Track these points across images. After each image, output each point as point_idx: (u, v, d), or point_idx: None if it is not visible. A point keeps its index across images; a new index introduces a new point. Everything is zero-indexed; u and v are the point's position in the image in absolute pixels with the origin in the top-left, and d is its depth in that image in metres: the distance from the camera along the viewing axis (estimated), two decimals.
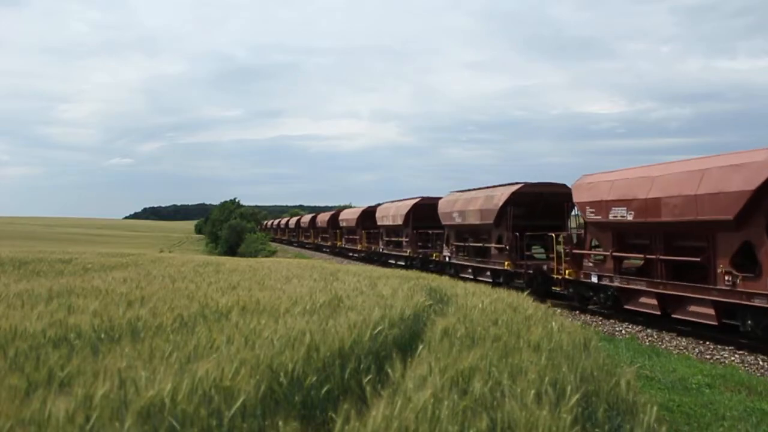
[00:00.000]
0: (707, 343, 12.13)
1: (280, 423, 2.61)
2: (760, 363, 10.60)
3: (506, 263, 19.75)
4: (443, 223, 25.27)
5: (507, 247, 19.82)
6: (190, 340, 4.04)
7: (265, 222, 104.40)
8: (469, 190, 24.26)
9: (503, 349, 4.14)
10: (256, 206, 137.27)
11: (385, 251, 34.23)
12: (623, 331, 13.79)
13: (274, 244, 75.81)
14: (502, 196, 20.33)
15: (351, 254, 43.15)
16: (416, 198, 30.81)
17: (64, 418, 2.57)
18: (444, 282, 10.27)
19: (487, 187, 22.52)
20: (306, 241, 63.09)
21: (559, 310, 10.27)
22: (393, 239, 32.79)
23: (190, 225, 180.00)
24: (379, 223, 34.86)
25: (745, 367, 10.38)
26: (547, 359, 3.89)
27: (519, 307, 6.63)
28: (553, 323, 5.54)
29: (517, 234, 19.29)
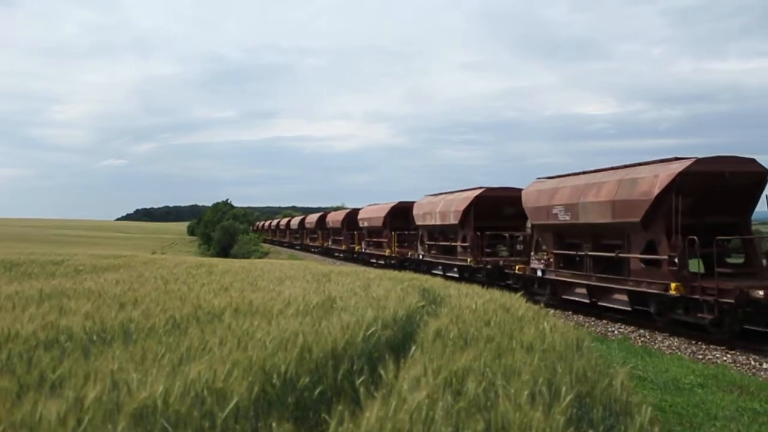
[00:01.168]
0: (699, 343, 12.17)
1: (273, 424, 2.60)
2: (752, 363, 10.65)
3: (469, 260, 22.03)
4: (417, 224, 27.79)
5: (470, 246, 22.17)
6: (182, 342, 4.03)
7: (258, 223, 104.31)
8: (439, 194, 26.70)
9: (496, 349, 4.14)
10: (249, 207, 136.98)
11: (366, 251, 36.59)
12: (615, 332, 13.83)
13: (266, 245, 75.76)
14: (466, 199, 22.90)
15: (336, 254, 45.32)
16: (394, 202, 33.49)
17: (55, 420, 2.55)
18: (437, 283, 10.28)
19: (455, 192, 25.07)
20: (295, 242, 65.31)
21: (552, 311, 10.30)
22: (374, 240, 35.34)
23: (182, 226, 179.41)
24: (360, 225, 37.51)
25: (736, 366, 10.42)
26: (541, 360, 3.89)
27: (511, 308, 6.63)
28: (546, 324, 5.54)
29: (479, 234, 21.65)
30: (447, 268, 24.46)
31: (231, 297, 6.63)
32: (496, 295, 8.03)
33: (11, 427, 2.53)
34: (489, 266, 20.87)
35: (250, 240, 76.92)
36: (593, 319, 15.47)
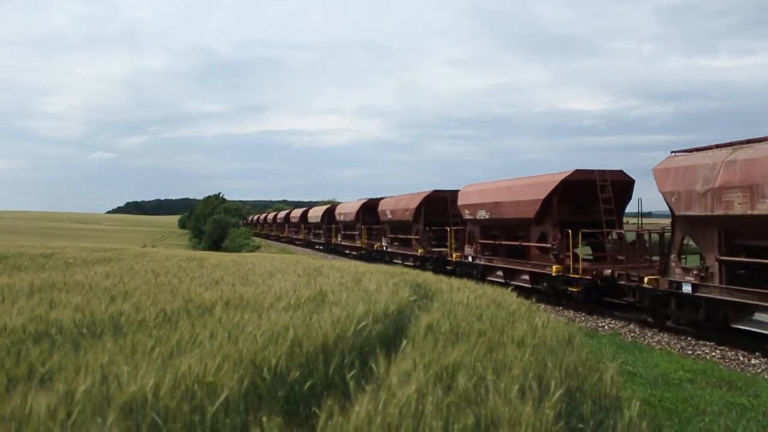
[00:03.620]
0: (689, 338, 12.25)
1: (264, 418, 2.59)
2: (741, 358, 10.72)
3: (419, 251, 26.68)
4: (381, 219, 31.98)
5: (420, 239, 26.80)
6: (173, 335, 4.01)
7: (249, 217, 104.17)
8: (398, 195, 31.29)
9: (487, 344, 4.15)
10: (240, 201, 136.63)
11: (342, 243, 40.81)
12: (606, 327, 13.90)
13: (258, 239, 75.76)
14: (417, 199, 27.25)
15: (317, 246, 49.52)
16: (364, 199, 37.77)
17: (45, 413, 2.54)
18: (428, 278, 10.28)
19: (409, 194, 29.29)
20: (282, 235, 69.71)
21: (542, 306, 10.45)
22: (348, 233, 39.44)
23: (173, 220, 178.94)
24: (337, 219, 41.88)
25: (725, 362, 10.49)
26: (531, 355, 3.90)
27: (503, 303, 6.65)
28: (537, 319, 5.55)
29: (427, 228, 26.27)
30: (404, 257, 28.96)
31: (222, 290, 6.62)
32: (488, 290, 8.05)
33: (1, 420, 2.52)
34: (435, 256, 25.28)
35: (241, 233, 76.79)
36: (584, 314, 15.54)
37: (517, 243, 18.87)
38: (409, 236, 28.34)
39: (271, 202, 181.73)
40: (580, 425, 3.23)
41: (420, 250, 26.48)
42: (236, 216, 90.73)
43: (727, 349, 11.34)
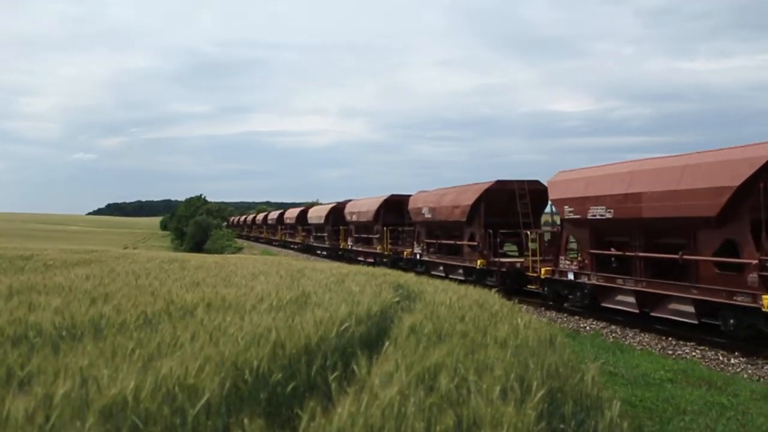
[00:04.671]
0: (669, 339, 12.35)
1: (246, 420, 2.58)
2: (720, 358, 10.82)
3: (378, 248, 30.23)
4: (347, 221, 35.40)
5: (380, 239, 29.96)
6: (153, 338, 3.99)
7: (231, 218, 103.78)
8: (361, 198, 35.48)
9: (470, 345, 4.16)
10: (222, 202, 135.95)
11: (313, 243, 45.16)
12: (588, 328, 13.98)
13: (240, 241, 75.46)
14: (377, 203, 31.08)
15: (292, 246, 53.32)
16: (333, 203, 42.22)
17: (23, 417, 2.50)
18: (412, 279, 10.29)
19: (371, 198, 33.29)
20: (260, 235, 72.63)
21: (525, 307, 10.54)
22: (318, 234, 43.56)
23: (155, 221, 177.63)
24: (309, 222, 46.18)
25: (705, 362, 10.58)
26: (513, 355, 3.91)
27: (485, 304, 6.67)
28: (519, 320, 5.57)
29: (386, 229, 29.13)
30: (366, 255, 32.30)
31: (203, 292, 6.57)
32: (471, 291, 8.07)
33: None
34: (393, 254, 28.42)
35: (223, 235, 76.46)
36: (566, 315, 15.64)
37: (453, 242, 22.16)
38: (371, 236, 32.14)
39: (254, 203, 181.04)
40: (562, 425, 3.25)
41: (379, 248, 30.10)
42: (218, 218, 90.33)
43: (707, 349, 11.44)
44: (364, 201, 34.02)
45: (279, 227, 60.50)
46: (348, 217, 35.10)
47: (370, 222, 31.70)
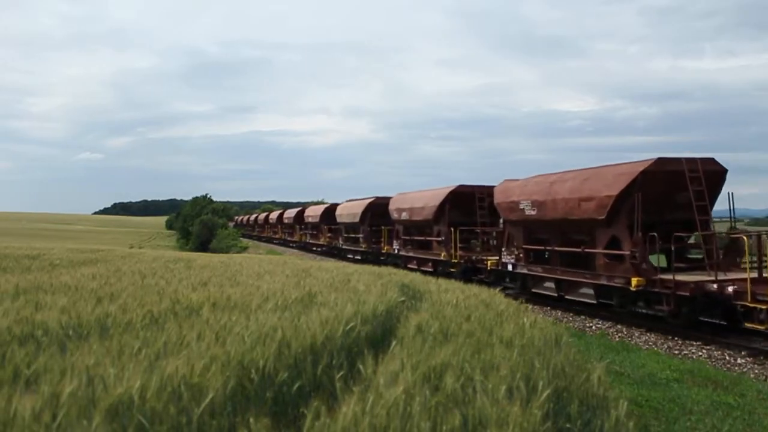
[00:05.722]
0: (676, 338, 12.31)
1: (251, 420, 2.58)
2: (727, 358, 10.78)
3: (364, 246, 32.79)
4: (338, 221, 37.64)
5: (365, 238, 32.62)
6: (159, 337, 3.99)
7: (237, 218, 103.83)
8: (351, 200, 37.71)
9: (476, 344, 4.15)
10: (228, 202, 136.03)
11: (310, 241, 47.65)
12: (593, 327, 13.94)
13: (245, 240, 75.48)
14: (363, 205, 32.85)
15: (291, 244, 55.58)
16: (327, 204, 45.00)
17: (30, 416, 2.52)
18: (417, 279, 10.29)
19: (357, 199, 35.62)
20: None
21: (530, 306, 10.54)
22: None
23: (160, 221, 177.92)
24: (306, 221, 48.80)
25: (712, 362, 10.55)
26: (519, 355, 3.90)
27: (491, 304, 6.66)
28: (525, 319, 5.57)
29: (371, 228, 31.76)
30: (353, 252, 35.17)
31: (209, 292, 6.59)
32: (477, 290, 8.06)
33: None
34: (372, 250, 31.51)
35: (229, 234, 76.51)
36: (571, 314, 15.61)
37: (423, 238, 25.09)
38: (356, 235, 34.93)
39: (258, 202, 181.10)
40: (568, 425, 3.24)
41: (365, 245, 32.81)
42: (224, 217, 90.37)
43: (713, 348, 11.41)
44: (354, 203, 35.44)
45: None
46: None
47: (355, 223, 33.06)
